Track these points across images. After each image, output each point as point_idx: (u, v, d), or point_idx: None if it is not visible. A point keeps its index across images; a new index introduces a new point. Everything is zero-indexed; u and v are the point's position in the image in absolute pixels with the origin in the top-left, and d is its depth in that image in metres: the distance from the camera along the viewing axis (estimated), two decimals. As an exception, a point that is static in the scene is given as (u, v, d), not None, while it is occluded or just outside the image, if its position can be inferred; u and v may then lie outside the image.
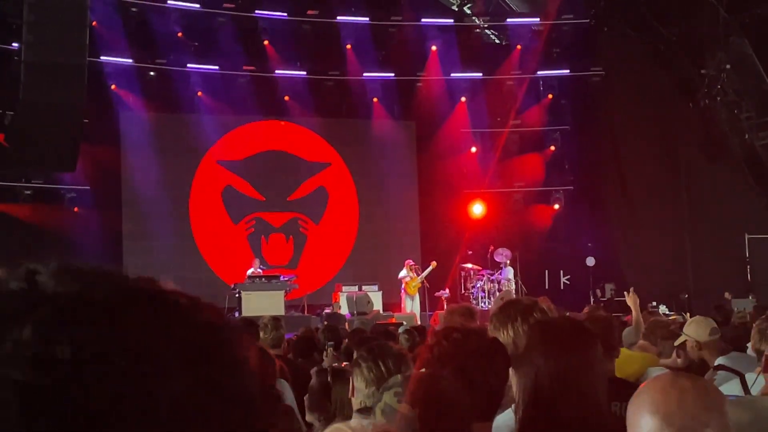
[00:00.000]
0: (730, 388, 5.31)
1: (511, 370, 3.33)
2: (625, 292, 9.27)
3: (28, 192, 24.47)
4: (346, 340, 9.52)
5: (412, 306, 24.20)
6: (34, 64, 18.44)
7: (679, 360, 6.80)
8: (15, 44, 21.27)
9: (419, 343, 8.52)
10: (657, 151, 26.59)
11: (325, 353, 9.20)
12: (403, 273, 24.50)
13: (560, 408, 3.08)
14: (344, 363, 7.72)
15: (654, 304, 23.32)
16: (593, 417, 3.13)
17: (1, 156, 22.08)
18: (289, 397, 6.45)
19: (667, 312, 22.12)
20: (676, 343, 7.00)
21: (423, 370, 3.39)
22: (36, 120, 19.26)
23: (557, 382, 3.11)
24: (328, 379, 5.63)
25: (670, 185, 26.65)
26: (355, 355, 4.38)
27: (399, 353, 4.19)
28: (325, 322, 17.52)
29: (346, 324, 16.76)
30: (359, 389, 3.99)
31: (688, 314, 15.10)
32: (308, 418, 5.81)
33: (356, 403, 4.00)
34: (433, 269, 24.53)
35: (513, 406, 3.52)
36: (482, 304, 24.67)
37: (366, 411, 3.77)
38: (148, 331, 0.85)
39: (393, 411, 2.89)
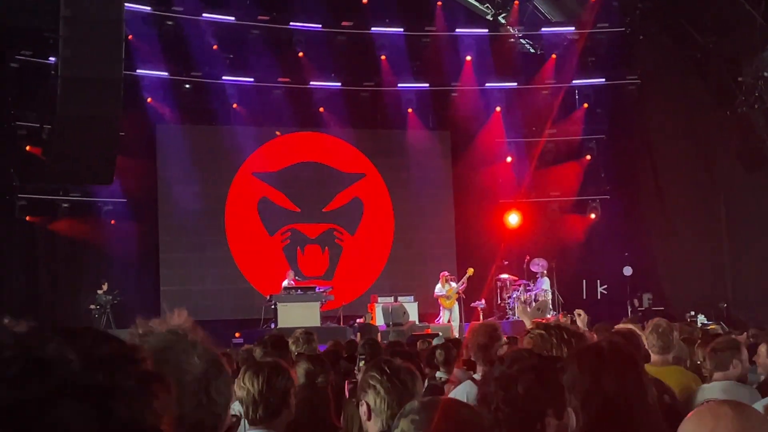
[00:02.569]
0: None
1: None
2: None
3: (66, 205, 24.62)
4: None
5: (449, 317, 24.14)
6: (71, 78, 18.54)
7: None
8: (52, 59, 21.45)
9: (454, 357, 8.46)
10: (694, 160, 26.40)
11: (357, 367, 9.14)
12: (438, 288, 24.44)
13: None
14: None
15: (692, 313, 23.15)
16: None
17: (38, 170, 22.26)
18: None
19: (706, 321, 21.97)
20: None
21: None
22: (73, 134, 19.36)
23: (627, 404, 3.08)
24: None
25: (707, 193, 26.43)
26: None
27: (409, 368, 4.13)
28: (358, 333, 17.52)
29: (379, 335, 16.72)
30: (378, 410, 3.91)
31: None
32: None
33: (375, 427, 3.91)
34: (470, 276, 24.46)
35: None
36: (518, 315, 24.57)
37: None
38: None
39: None
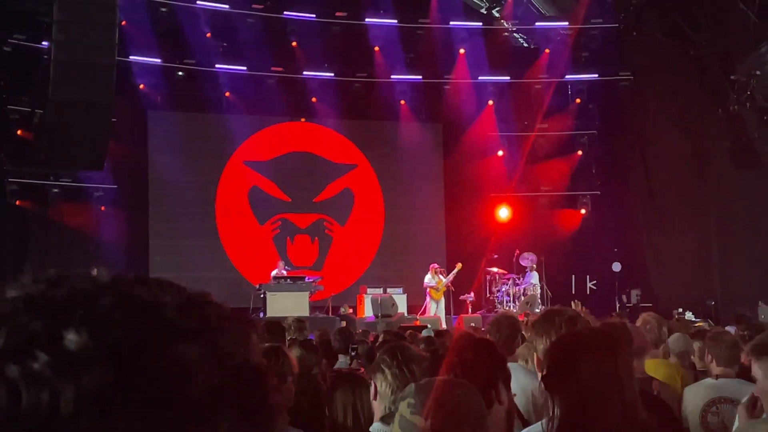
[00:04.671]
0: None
1: (540, 384, 3.32)
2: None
3: (56, 190, 24.58)
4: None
5: (436, 310, 24.16)
6: (64, 62, 18.50)
7: None
8: (45, 43, 21.38)
9: (439, 350, 8.46)
10: (685, 157, 26.41)
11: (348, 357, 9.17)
12: (428, 279, 24.45)
13: (605, 417, 3.06)
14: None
15: (680, 310, 23.20)
16: (635, 425, 3.11)
17: (30, 154, 22.21)
18: None
19: (693, 319, 22.01)
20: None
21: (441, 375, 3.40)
22: (65, 118, 19.32)
23: (601, 391, 3.08)
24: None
25: (697, 191, 26.45)
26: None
27: (420, 356, 4.16)
28: (343, 323, 17.51)
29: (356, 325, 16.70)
30: (383, 395, 3.95)
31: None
32: None
33: (380, 408, 3.95)
34: (459, 271, 24.48)
35: (543, 421, 3.51)
36: (506, 309, 24.61)
37: (390, 417, 3.74)
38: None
39: (407, 423, 2.85)
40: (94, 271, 0.96)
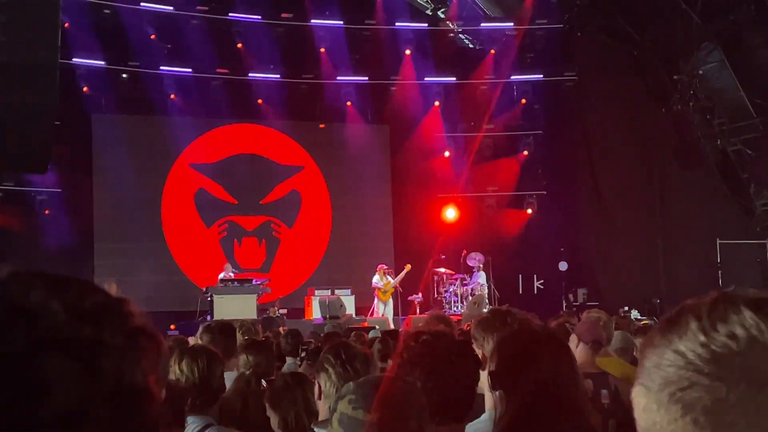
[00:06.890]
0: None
1: (487, 380, 3.32)
2: None
3: (-1, 194, 24.31)
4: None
5: (384, 311, 24.17)
6: (5, 63, 18.25)
7: None
8: (-15, 45, 21.09)
9: (393, 350, 8.43)
10: (630, 156, 26.66)
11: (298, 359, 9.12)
12: (375, 279, 24.45)
13: (561, 416, 3.05)
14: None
15: (626, 308, 23.39)
16: (584, 424, 3.11)
17: (-29, 158, 21.91)
18: None
19: (639, 317, 22.22)
20: None
21: (393, 372, 3.38)
22: (6, 121, 19.05)
23: (559, 390, 3.08)
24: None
25: (642, 190, 26.73)
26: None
27: (365, 354, 4.14)
28: (259, 326, 17.38)
29: (280, 328, 16.65)
30: (328, 394, 3.92)
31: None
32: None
33: (324, 408, 3.92)
34: (407, 272, 24.51)
35: (488, 413, 3.50)
36: (455, 309, 24.71)
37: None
38: None
39: (349, 420, 2.84)
40: None
